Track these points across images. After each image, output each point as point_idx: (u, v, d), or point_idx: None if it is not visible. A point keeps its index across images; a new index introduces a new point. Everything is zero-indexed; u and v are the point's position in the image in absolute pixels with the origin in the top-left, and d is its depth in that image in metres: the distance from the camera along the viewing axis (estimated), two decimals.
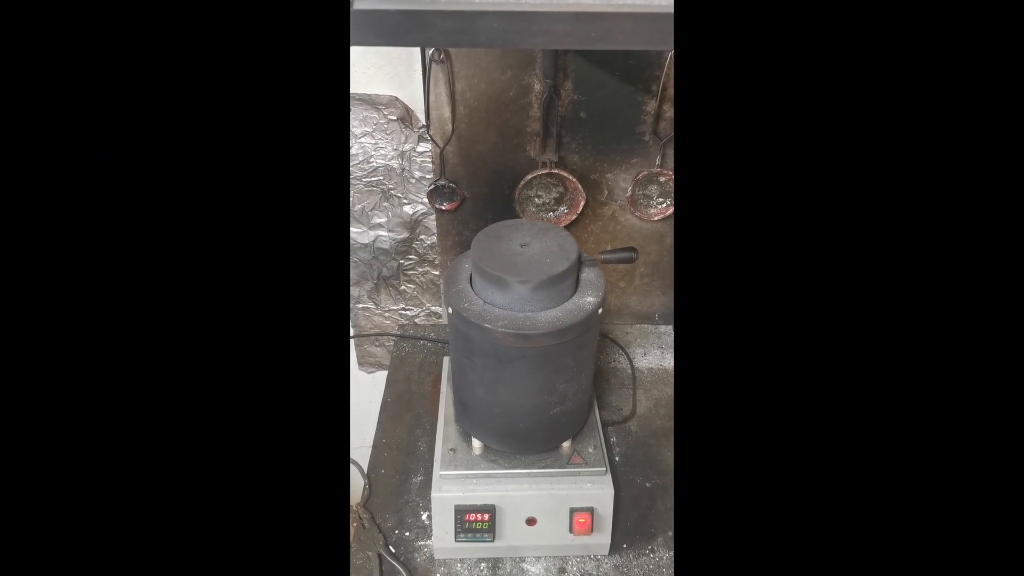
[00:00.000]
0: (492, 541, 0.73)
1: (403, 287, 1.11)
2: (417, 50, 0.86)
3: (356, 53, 0.88)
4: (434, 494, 0.72)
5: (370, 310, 1.14)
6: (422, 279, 1.10)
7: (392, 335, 1.12)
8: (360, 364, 1.22)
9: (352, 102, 0.92)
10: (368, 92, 0.90)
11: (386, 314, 1.15)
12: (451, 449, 0.75)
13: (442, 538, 0.74)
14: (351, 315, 1.15)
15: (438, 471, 0.74)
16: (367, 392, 1.25)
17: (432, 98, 0.88)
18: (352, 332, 1.17)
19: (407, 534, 0.79)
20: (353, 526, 0.80)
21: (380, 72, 0.89)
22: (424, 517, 0.81)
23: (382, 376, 1.23)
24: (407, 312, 1.14)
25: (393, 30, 0.44)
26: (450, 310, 0.66)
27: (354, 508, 0.82)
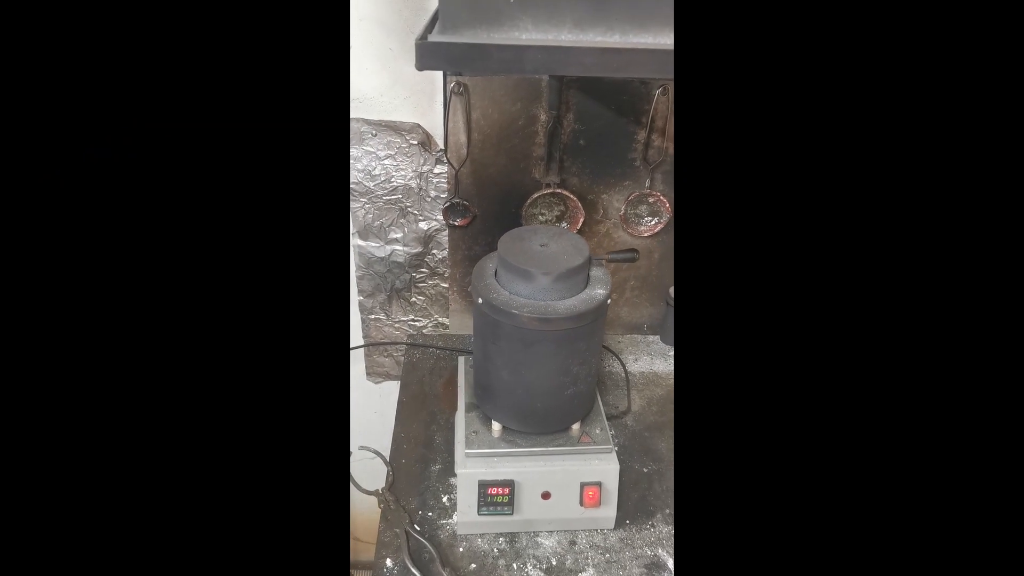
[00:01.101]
0: (511, 515, 0.81)
1: (414, 299, 1.20)
2: (439, 83, 0.98)
3: (384, 84, 0.99)
4: (460, 470, 0.80)
5: (381, 320, 1.22)
6: (432, 291, 1.19)
7: (404, 343, 1.20)
8: (368, 374, 1.29)
9: (378, 128, 1.03)
10: (394, 119, 1.02)
11: (396, 324, 1.23)
12: (474, 431, 0.83)
13: (466, 512, 0.81)
14: (363, 326, 1.22)
15: (462, 450, 0.82)
16: (374, 402, 1.32)
17: (450, 125, 1.00)
18: (363, 342, 1.24)
19: (430, 514, 0.86)
20: (380, 508, 0.87)
21: (405, 102, 1.01)
22: (444, 499, 0.88)
23: (388, 386, 1.30)
24: (416, 323, 1.23)
25: (459, 58, 0.55)
26: (480, 300, 0.76)
27: (380, 492, 0.89)
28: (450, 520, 0.85)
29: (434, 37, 0.55)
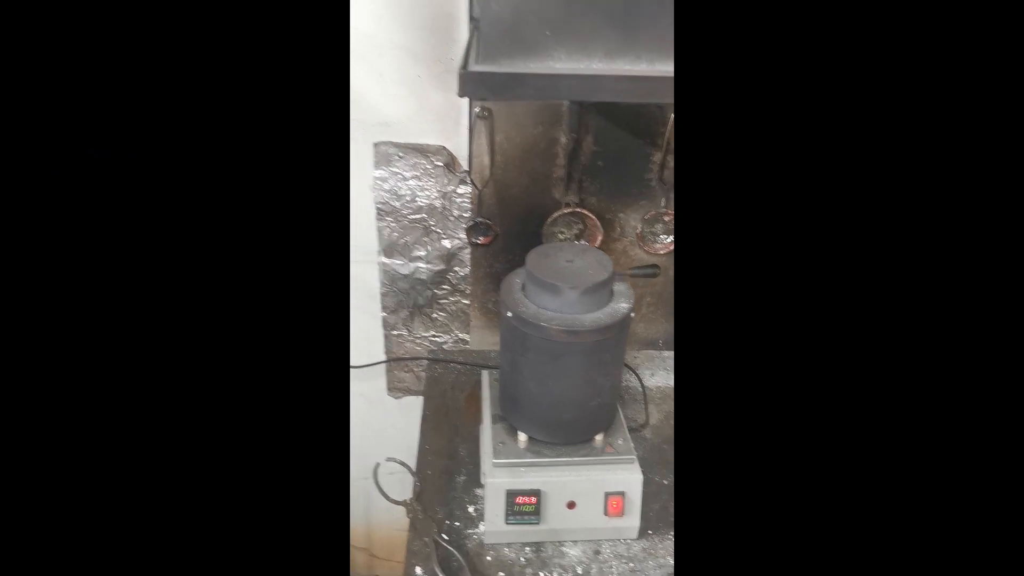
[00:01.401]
0: (537, 524, 0.83)
1: (435, 315, 1.23)
2: (465, 107, 1.02)
3: (412, 109, 1.04)
4: (488, 480, 0.83)
5: (403, 336, 1.25)
6: (453, 308, 1.22)
7: (426, 358, 1.23)
8: (390, 389, 1.32)
9: (405, 150, 1.07)
10: (420, 142, 1.06)
11: (417, 340, 1.26)
12: (500, 442, 0.86)
13: (493, 522, 0.83)
14: (385, 341, 1.26)
15: (490, 460, 0.84)
16: (394, 417, 1.34)
17: (475, 147, 1.04)
18: (385, 357, 1.27)
19: (456, 524, 0.88)
20: (408, 517, 0.89)
21: (431, 126, 1.05)
22: (471, 510, 0.90)
23: (408, 401, 1.33)
24: (437, 339, 1.26)
25: (498, 86, 0.59)
26: (509, 314, 0.79)
27: (408, 502, 0.91)
28: (477, 530, 0.87)
29: (474, 67, 0.59)
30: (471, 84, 0.59)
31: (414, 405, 1.35)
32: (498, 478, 0.82)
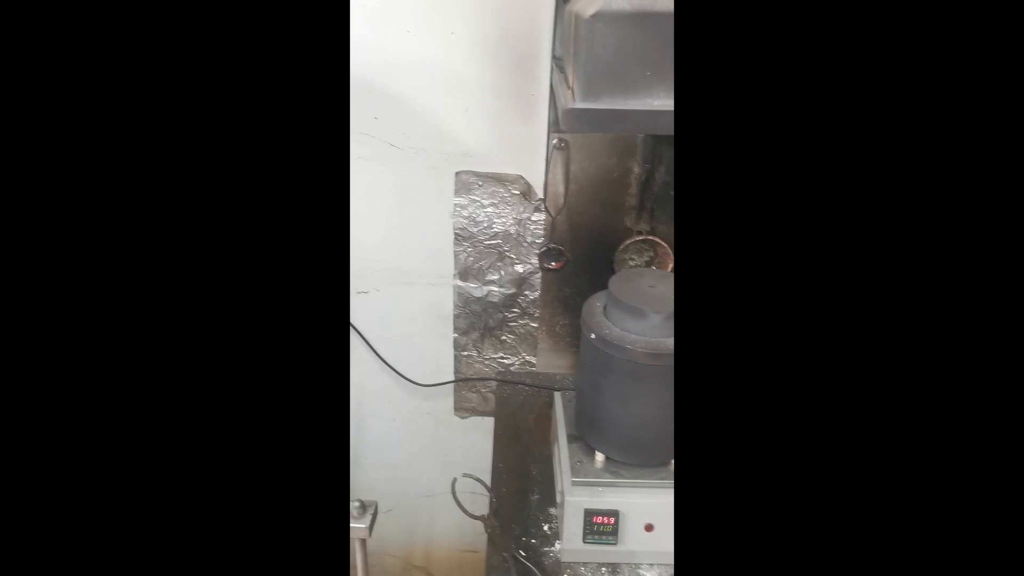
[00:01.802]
0: (615, 544, 0.84)
1: (504, 337, 1.27)
2: (543, 139, 1.08)
3: (493, 140, 1.10)
4: (567, 498, 0.85)
5: (472, 357, 1.30)
6: (521, 331, 1.26)
7: (495, 379, 1.26)
8: (456, 408, 1.35)
9: (484, 179, 1.13)
10: (499, 171, 1.12)
11: (485, 362, 1.30)
12: (578, 461, 0.88)
13: (571, 540, 0.85)
14: (455, 362, 1.30)
15: (569, 479, 0.86)
16: (459, 436, 1.38)
17: (551, 176, 1.09)
18: (454, 377, 1.31)
19: (533, 541, 0.90)
20: (487, 532, 0.91)
21: (511, 157, 1.11)
22: (545, 528, 0.92)
23: (473, 421, 1.36)
24: (504, 360, 1.29)
25: (601, 121, 0.64)
26: (592, 335, 0.82)
27: (485, 517, 0.93)
28: (552, 548, 0.89)
29: (579, 104, 0.64)
30: (575, 120, 0.63)
31: (478, 425, 1.38)
32: (577, 496, 0.84)
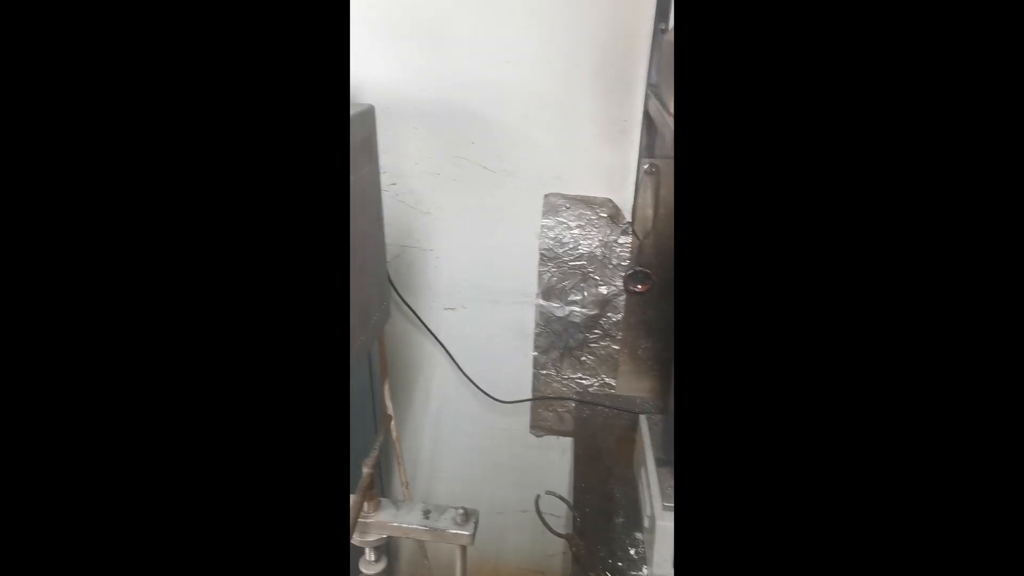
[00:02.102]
0: None
1: (584, 358, 1.28)
2: (633, 163, 1.09)
3: (583, 164, 1.12)
4: (659, 523, 0.84)
5: (551, 376, 1.31)
6: (602, 352, 1.27)
7: (575, 399, 1.27)
8: (532, 426, 1.37)
9: (572, 202, 1.15)
10: (588, 194, 1.14)
11: (564, 381, 1.31)
12: (669, 486, 0.87)
13: (661, 565, 0.84)
14: (534, 380, 1.32)
15: (659, 503, 0.86)
16: (534, 454, 1.39)
17: (640, 200, 1.11)
18: (532, 395, 1.33)
19: (620, 564, 0.90)
20: (573, 551, 0.91)
21: (600, 180, 1.13)
22: (632, 552, 0.91)
23: (548, 440, 1.37)
24: (583, 381, 1.30)
25: None
26: None
27: (570, 535, 0.94)
28: (640, 572, 0.88)
29: None
30: None
31: (553, 444, 1.39)
32: (669, 522, 0.84)
